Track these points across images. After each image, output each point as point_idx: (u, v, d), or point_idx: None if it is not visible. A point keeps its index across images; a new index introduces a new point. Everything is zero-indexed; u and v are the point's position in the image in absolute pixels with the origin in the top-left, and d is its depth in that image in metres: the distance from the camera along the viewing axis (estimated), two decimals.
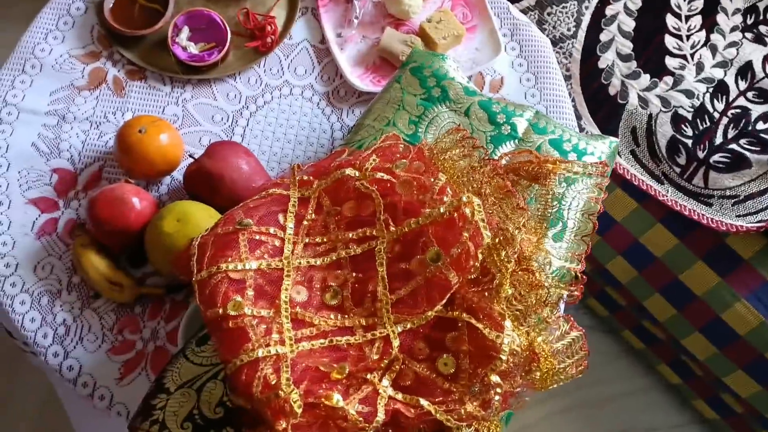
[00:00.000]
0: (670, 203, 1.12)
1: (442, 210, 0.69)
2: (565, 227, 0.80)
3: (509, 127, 0.85)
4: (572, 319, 0.71)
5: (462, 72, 0.90)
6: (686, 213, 1.12)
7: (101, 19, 0.97)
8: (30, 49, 0.96)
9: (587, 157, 0.85)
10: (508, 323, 0.67)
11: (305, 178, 0.77)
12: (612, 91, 1.15)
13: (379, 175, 0.73)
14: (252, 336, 0.64)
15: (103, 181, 0.91)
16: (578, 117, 1.16)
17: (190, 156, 0.87)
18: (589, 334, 1.52)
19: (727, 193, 1.12)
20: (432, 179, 0.73)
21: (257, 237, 0.71)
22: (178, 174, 0.92)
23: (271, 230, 0.72)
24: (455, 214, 0.69)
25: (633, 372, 1.51)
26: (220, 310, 0.65)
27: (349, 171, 0.74)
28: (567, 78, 1.17)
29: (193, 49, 0.96)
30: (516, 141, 0.85)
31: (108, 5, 0.96)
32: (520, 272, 0.70)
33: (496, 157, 0.82)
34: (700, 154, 1.12)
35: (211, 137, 0.94)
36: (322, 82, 0.99)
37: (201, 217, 0.82)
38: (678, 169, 1.13)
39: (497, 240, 0.69)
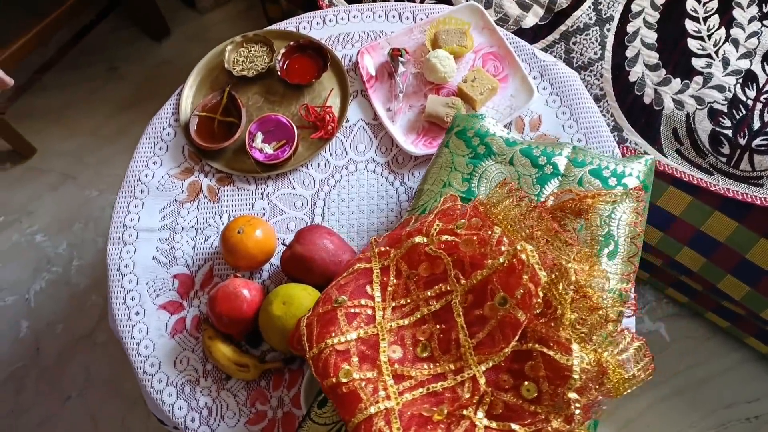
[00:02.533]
0: (722, 191, 1.19)
1: (501, 260, 0.81)
2: (617, 245, 0.90)
3: (551, 167, 0.96)
4: (632, 331, 0.81)
5: (500, 125, 1.02)
6: (740, 198, 1.19)
7: (189, 140, 1.14)
8: (136, 176, 1.14)
9: (627, 179, 0.94)
10: (575, 346, 0.77)
11: (383, 249, 0.91)
12: (647, 100, 1.24)
13: (444, 237, 0.86)
14: (363, 396, 0.78)
15: (216, 277, 1.07)
16: (620, 129, 1.25)
17: (283, 243, 1.02)
18: (676, 321, 1.61)
19: None
20: (489, 232, 0.85)
21: (352, 310, 0.85)
22: (275, 259, 1.06)
23: (363, 302, 0.86)
24: (514, 261, 0.81)
25: (724, 350, 1.57)
26: (334, 380, 0.79)
27: (418, 239, 0.87)
28: (602, 96, 1.26)
29: (268, 149, 1.12)
30: (559, 177, 0.96)
31: (192, 127, 1.13)
32: (578, 299, 0.81)
33: (543, 197, 0.94)
34: (742, 141, 1.19)
35: (296, 222, 1.09)
36: (381, 153, 1.13)
37: (302, 296, 0.96)
38: (724, 159, 1.20)
39: (554, 276, 0.80)
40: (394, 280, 0.88)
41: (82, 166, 1.96)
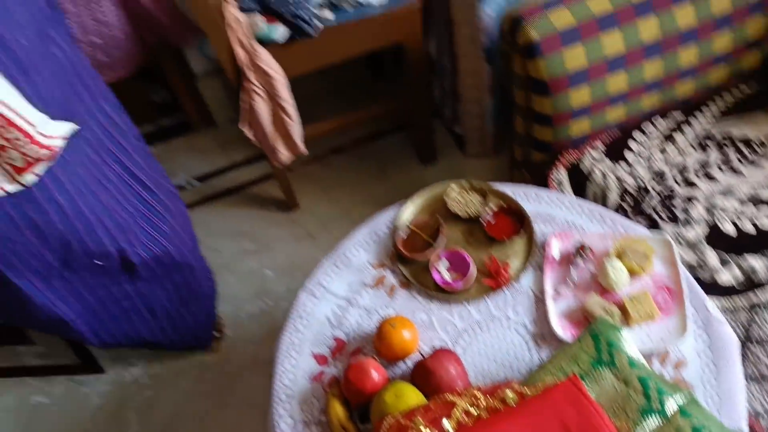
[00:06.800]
0: None
1: None
2: None
3: (659, 404, 1.04)
4: None
5: (634, 346, 1.12)
6: None
7: (393, 243, 1.40)
8: (343, 251, 1.43)
9: None
10: None
11: (476, 393, 1.06)
12: None
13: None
14: None
15: (361, 354, 1.29)
16: None
17: (420, 353, 1.22)
18: None
19: None
20: None
21: None
22: (410, 361, 1.26)
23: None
24: None
25: None
26: None
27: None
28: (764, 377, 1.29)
29: (447, 276, 1.34)
30: (661, 417, 1.03)
31: (400, 235, 1.40)
32: None
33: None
34: None
35: (440, 342, 1.29)
36: (533, 323, 1.29)
37: (412, 397, 1.14)
38: None
39: None
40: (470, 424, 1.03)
41: (324, 231, 2.38)
